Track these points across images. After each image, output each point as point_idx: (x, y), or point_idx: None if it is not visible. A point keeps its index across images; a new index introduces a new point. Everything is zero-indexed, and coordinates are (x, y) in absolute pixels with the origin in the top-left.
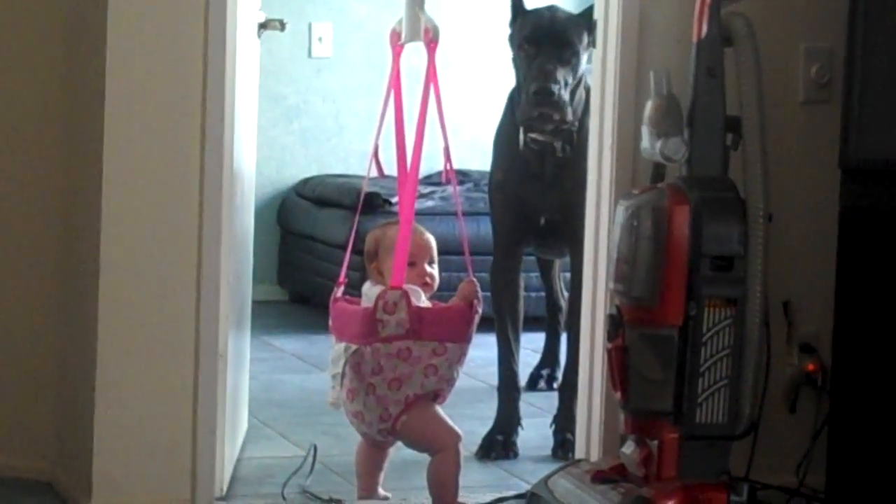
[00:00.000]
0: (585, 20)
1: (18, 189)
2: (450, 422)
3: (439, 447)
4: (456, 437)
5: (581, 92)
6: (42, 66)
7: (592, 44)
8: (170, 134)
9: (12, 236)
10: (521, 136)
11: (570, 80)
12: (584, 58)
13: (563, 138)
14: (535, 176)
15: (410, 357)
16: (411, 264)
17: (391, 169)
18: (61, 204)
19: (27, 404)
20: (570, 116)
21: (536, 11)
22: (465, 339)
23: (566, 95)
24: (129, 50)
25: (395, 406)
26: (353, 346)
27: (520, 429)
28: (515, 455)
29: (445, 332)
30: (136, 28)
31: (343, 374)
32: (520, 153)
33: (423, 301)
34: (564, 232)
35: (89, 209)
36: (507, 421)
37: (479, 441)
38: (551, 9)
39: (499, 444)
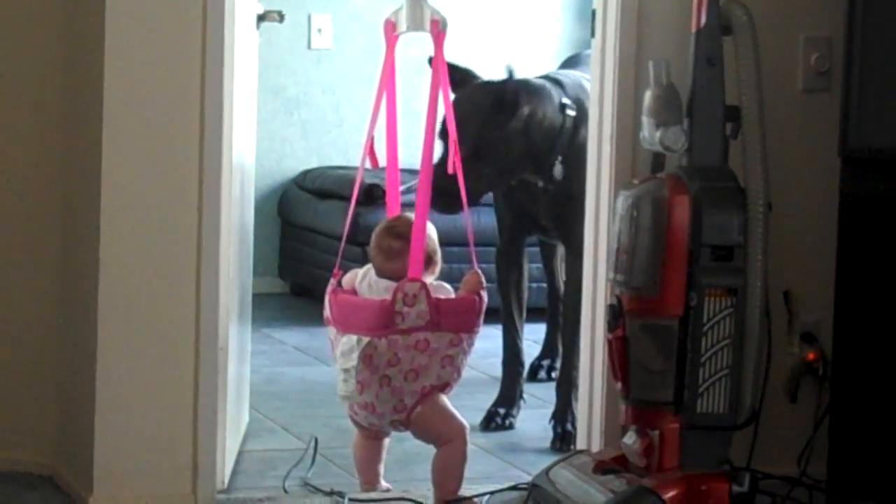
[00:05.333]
0: (501, 96)
1: (17, 182)
2: (458, 413)
3: (448, 438)
4: (464, 429)
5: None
6: (41, 57)
7: (513, 108)
8: (169, 127)
9: (12, 231)
10: None
11: (476, 170)
12: (505, 129)
13: (541, 177)
14: (528, 197)
15: (428, 348)
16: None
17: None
18: (60, 197)
19: (28, 399)
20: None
21: (459, 95)
22: (475, 330)
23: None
24: (127, 43)
25: (411, 397)
26: (366, 338)
27: (521, 402)
28: (511, 427)
29: (461, 322)
30: (134, 21)
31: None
32: None
33: (448, 292)
34: (561, 233)
35: (88, 202)
36: (509, 394)
37: (479, 431)
38: (474, 91)
39: (499, 416)
